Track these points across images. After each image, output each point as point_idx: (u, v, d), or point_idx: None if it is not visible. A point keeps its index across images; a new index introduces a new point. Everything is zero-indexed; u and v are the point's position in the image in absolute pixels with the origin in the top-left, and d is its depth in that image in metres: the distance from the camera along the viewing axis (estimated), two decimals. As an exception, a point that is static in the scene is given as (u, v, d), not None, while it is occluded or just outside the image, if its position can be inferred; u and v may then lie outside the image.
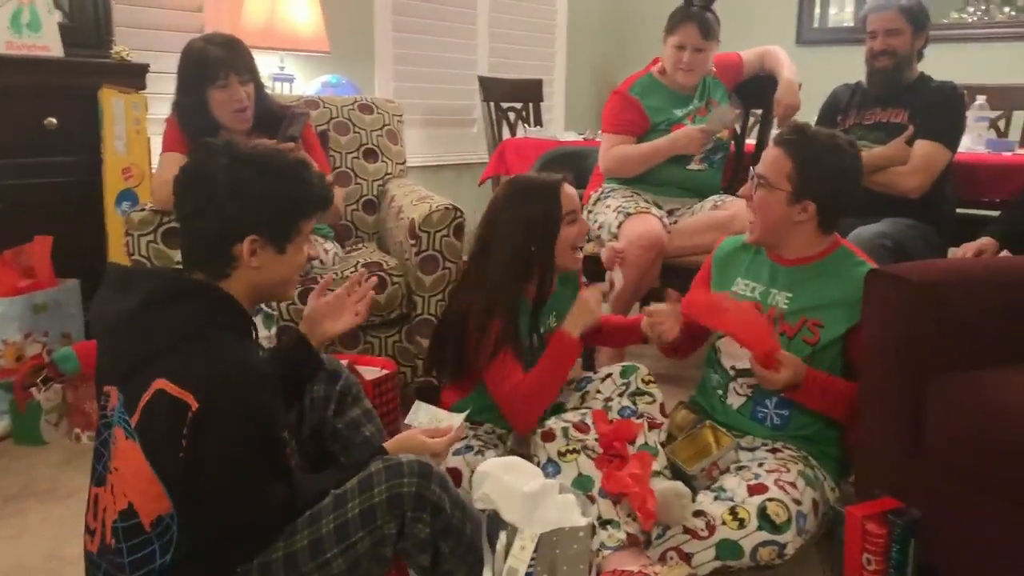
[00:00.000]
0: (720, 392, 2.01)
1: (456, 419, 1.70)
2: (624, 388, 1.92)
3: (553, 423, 1.84)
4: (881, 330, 1.66)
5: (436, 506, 1.44)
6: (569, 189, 2.00)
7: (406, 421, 1.76)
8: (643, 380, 1.92)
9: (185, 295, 1.41)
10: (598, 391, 1.99)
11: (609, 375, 1.98)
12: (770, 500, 1.66)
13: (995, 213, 2.87)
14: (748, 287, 2.00)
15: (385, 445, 1.60)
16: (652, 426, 1.86)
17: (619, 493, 1.71)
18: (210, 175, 1.43)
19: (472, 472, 1.82)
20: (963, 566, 1.55)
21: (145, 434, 1.34)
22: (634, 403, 1.88)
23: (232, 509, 1.36)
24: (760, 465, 1.80)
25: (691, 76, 2.88)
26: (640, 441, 1.81)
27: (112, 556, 1.38)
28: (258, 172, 1.44)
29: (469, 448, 1.96)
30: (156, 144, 2.94)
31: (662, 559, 1.67)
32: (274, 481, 1.41)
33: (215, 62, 2.33)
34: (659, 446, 1.83)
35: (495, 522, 1.53)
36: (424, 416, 1.76)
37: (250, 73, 2.41)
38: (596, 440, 1.80)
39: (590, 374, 2.06)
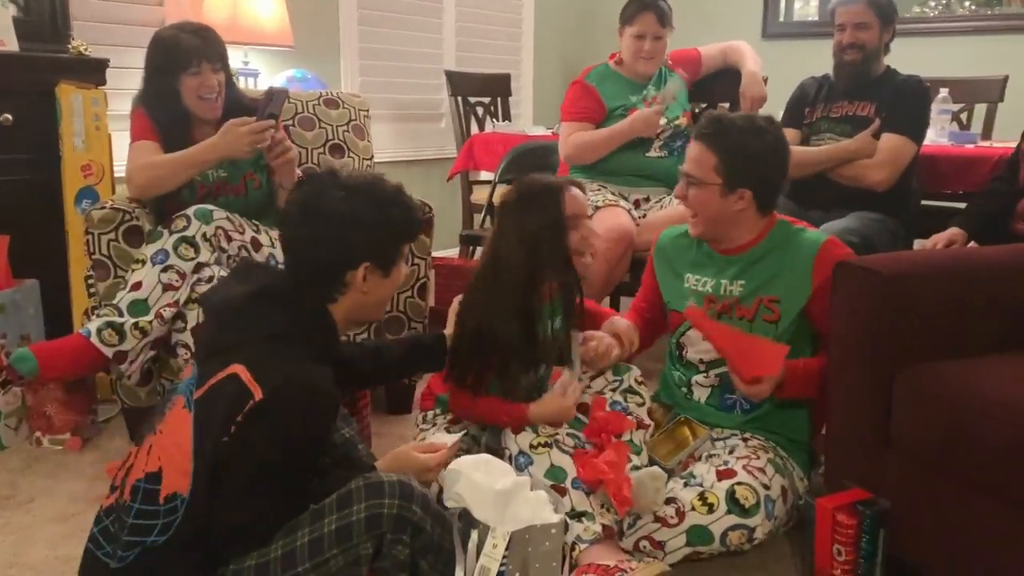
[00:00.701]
0: (683, 388, 2.01)
1: (446, 439, 1.70)
2: (617, 384, 1.91)
3: None
4: (849, 321, 1.66)
5: (417, 527, 1.42)
6: (574, 192, 1.86)
7: (423, 430, 1.78)
8: (635, 380, 1.93)
9: (293, 301, 1.49)
10: (588, 386, 1.98)
11: (601, 372, 1.96)
12: (738, 484, 1.68)
13: (959, 205, 2.91)
14: (699, 282, 1.99)
15: (378, 464, 1.61)
16: (640, 426, 1.85)
17: (595, 480, 1.70)
18: (327, 207, 1.49)
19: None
20: (933, 555, 1.57)
21: (203, 409, 1.40)
22: (625, 399, 1.87)
23: (238, 506, 1.37)
24: (731, 452, 1.82)
25: (652, 64, 2.95)
26: (626, 437, 1.81)
27: (121, 513, 1.40)
28: (372, 202, 1.50)
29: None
30: (117, 140, 2.90)
31: (636, 548, 1.67)
32: (286, 499, 1.40)
33: (187, 49, 2.29)
34: (643, 445, 1.83)
35: (467, 521, 1.52)
36: (442, 438, 1.75)
37: (221, 62, 2.37)
38: (568, 435, 1.78)
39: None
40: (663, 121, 2.88)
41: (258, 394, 1.35)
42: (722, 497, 1.67)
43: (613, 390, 1.89)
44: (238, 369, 1.38)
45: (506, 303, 1.80)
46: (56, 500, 2.06)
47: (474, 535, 1.49)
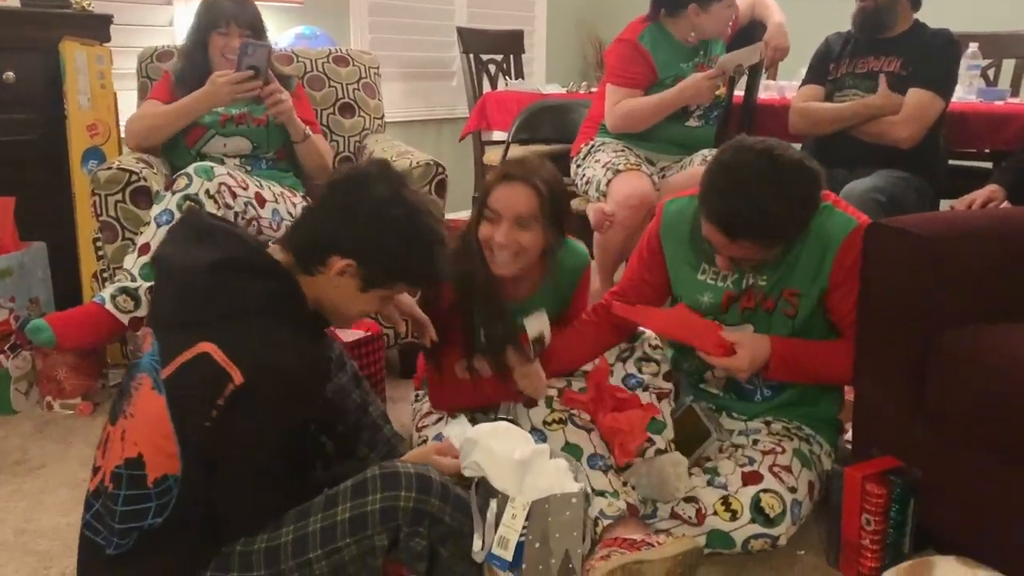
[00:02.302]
0: (695, 377, 1.92)
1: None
2: (628, 353, 1.82)
3: None
4: (882, 286, 1.60)
5: (435, 518, 1.38)
6: (507, 192, 1.75)
7: (444, 432, 1.71)
8: (649, 346, 1.84)
9: (262, 272, 1.39)
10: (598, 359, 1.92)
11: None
12: (764, 492, 1.62)
13: (986, 164, 2.82)
14: (718, 275, 1.80)
15: (403, 459, 1.53)
16: (660, 396, 1.79)
17: (609, 429, 1.66)
18: (364, 190, 1.43)
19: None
20: (965, 526, 1.52)
21: (176, 392, 1.31)
22: (639, 370, 1.80)
23: (233, 490, 1.33)
24: (755, 444, 1.75)
25: (726, 32, 2.82)
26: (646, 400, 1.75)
27: (107, 500, 1.35)
28: (405, 219, 1.42)
29: (440, 417, 1.90)
30: (123, 99, 2.84)
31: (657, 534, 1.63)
32: (282, 479, 1.37)
33: (221, 10, 2.47)
34: (668, 420, 1.75)
35: (485, 490, 1.48)
36: (456, 430, 1.68)
37: (252, 28, 2.50)
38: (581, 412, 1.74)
39: None
40: None
41: (238, 377, 1.26)
42: (747, 504, 1.60)
43: (624, 360, 1.82)
44: (209, 348, 1.28)
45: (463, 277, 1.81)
46: (67, 465, 2.04)
47: (493, 505, 1.44)
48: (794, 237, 1.66)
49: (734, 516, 1.60)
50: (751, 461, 1.68)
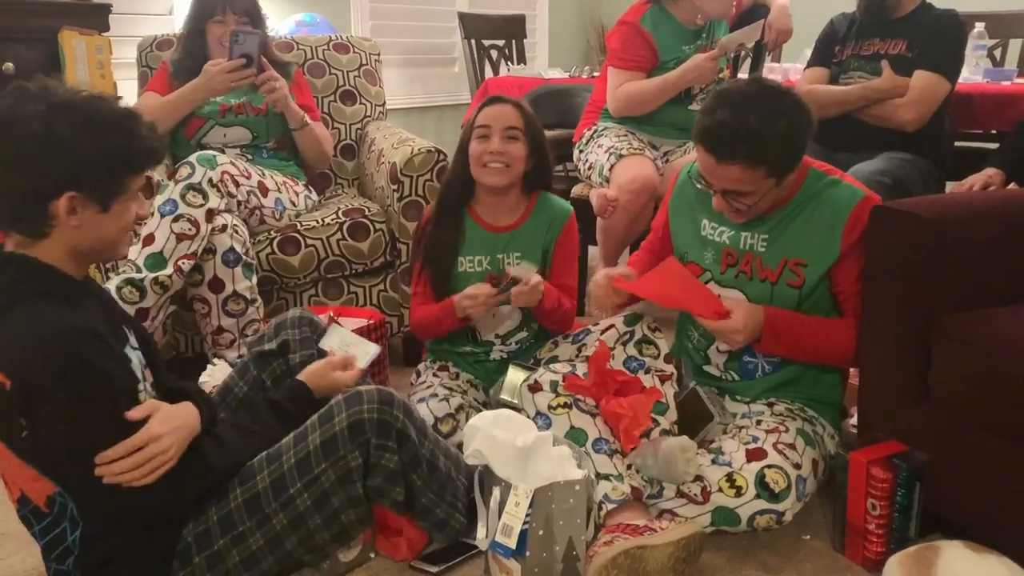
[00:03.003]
0: (701, 354, 1.91)
1: (366, 348, 1.68)
2: (628, 337, 1.82)
3: (540, 376, 1.78)
4: (886, 268, 1.59)
5: (401, 433, 1.42)
6: (494, 109, 1.97)
7: (319, 345, 1.71)
8: (648, 328, 1.83)
9: None
10: (598, 342, 1.92)
11: (611, 326, 1.90)
12: (769, 467, 1.60)
13: (993, 145, 2.79)
14: (716, 231, 1.83)
15: (300, 376, 1.57)
16: (662, 379, 1.78)
17: (612, 414, 1.66)
18: (21, 123, 1.25)
19: (436, 420, 1.84)
20: (971, 510, 1.51)
21: None
22: (640, 352, 1.80)
23: (110, 490, 1.28)
24: (758, 424, 1.74)
25: (730, 13, 2.77)
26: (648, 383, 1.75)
27: (40, 539, 1.37)
28: (77, 121, 1.27)
29: (435, 395, 1.91)
30: (123, 89, 2.83)
31: (658, 518, 1.63)
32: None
33: None
34: (671, 402, 1.75)
35: (488, 478, 1.48)
36: (335, 340, 1.71)
37: (248, 16, 2.49)
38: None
39: (589, 326, 1.99)
40: None
41: (7, 383, 1.21)
42: (751, 481, 1.59)
43: (624, 344, 1.81)
44: None
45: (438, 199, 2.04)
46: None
47: (496, 493, 1.44)
48: (781, 165, 1.65)
49: (739, 492, 1.59)
50: (755, 439, 1.68)
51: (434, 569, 1.58)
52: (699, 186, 1.80)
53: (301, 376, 1.57)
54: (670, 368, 1.81)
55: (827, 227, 1.71)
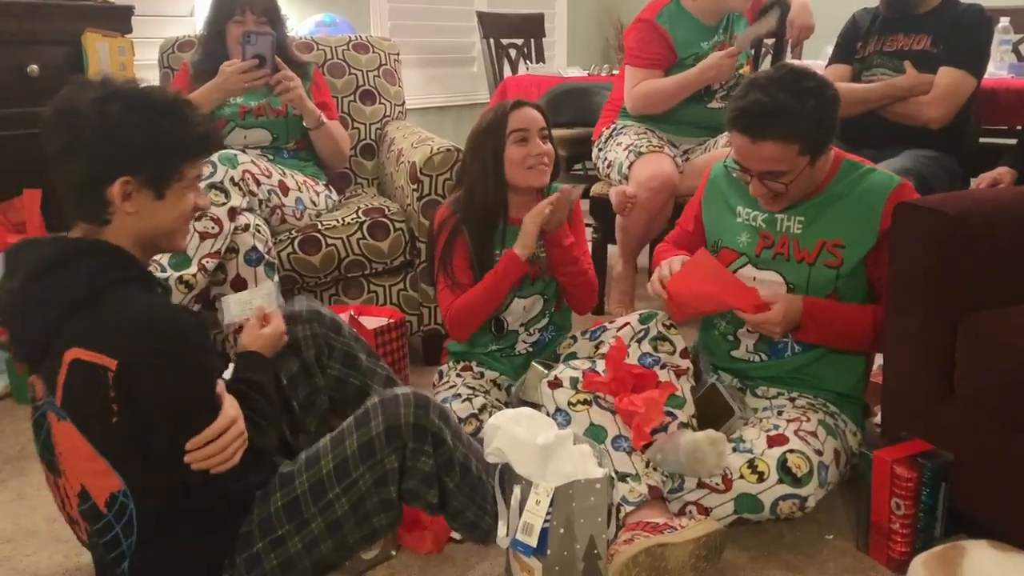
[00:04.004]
0: (730, 338, 1.91)
1: (264, 290, 1.69)
2: (643, 334, 1.82)
3: (560, 372, 1.78)
4: (911, 265, 1.57)
5: (437, 437, 1.43)
6: (525, 112, 1.98)
7: (225, 321, 1.71)
8: (663, 325, 1.83)
9: (71, 258, 1.31)
10: (614, 339, 1.91)
11: (627, 324, 1.90)
12: (791, 452, 1.59)
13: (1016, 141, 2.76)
14: (750, 215, 1.86)
15: (241, 349, 1.55)
16: (678, 373, 1.78)
17: (627, 412, 1.65)
18: (76, 110, 1.29)
19: (459, 420, 1.81)
20: (997, 510, 1.49)
21: (73, 410, 1.29)
22: (655, 349, 1.79)
23: (181, 462, 1.30)
24: (779, 414, 1.74)
25: (747, 3, 2.75)
26: (664, 378, 1.74)
27: (92, 538, 1.37)
28: (128, 107, 1.30)
29: (457, 396, 1.91)
30: (145, 90, 2.85)
31: (681, 513, 1.62)
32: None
33: None
34: (688, 396, 1.74)
35: (508, 476, 1.47)
36: (236, 309, 1.70)
37: (268, 15, 2.50)
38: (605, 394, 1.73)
39: (604, 323, 1.99)
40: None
41: (112, 364, 1.23)
42: (773, 466, 1.58)
43: (639, 341, 1.80)
44: (74, 353, 1.26)
45: (464, 194, 2.01)
46: (96, 454, 2.06)
47: (516, 491, 1.44)
48: (813, 141, 1.68)
49: (761, 478, 1.58)
50: (776, 427, 1.67)
51: (459, 536, 1.63)
52: (735, 174, 1.81)
53: (242, 348, 1.55)
54: (686, 363, 1.81)
55: (865, 212, 1.73)
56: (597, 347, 1.91)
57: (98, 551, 1.38)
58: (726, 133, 2.71)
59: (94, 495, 1.32)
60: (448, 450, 1.44)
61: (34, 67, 2.60)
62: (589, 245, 3.17)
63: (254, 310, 1.64)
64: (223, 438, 1.31)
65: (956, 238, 1.51)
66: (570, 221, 2.06)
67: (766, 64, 3.11)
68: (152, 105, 1.33)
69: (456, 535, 1.65)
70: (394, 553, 1.61)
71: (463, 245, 2.00)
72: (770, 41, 2.80)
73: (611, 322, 1.96)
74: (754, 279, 1.82)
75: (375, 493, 1.40)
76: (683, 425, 1.69)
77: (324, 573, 1.47)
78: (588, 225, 2.90)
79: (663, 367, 1.76)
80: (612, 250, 2.89)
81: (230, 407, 1.34)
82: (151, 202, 1.34)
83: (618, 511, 1.57)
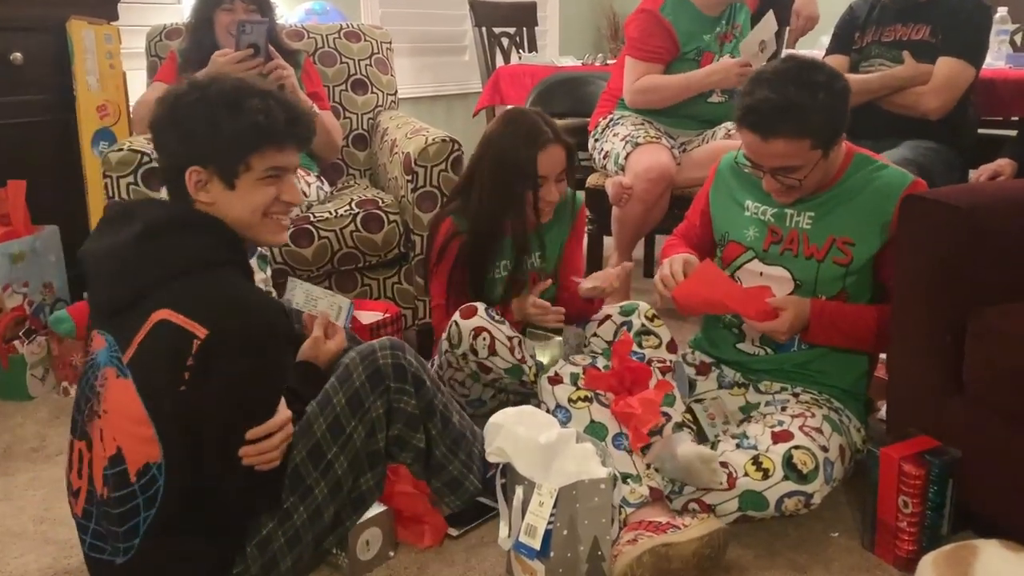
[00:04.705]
0: (734, 330, 1.88)
1: (336, 301, 1.65)
2: (627, 327, 1.81)
3: (561, 368, 1.76)
4: (919, 258, 1.54)
5: (416, 377, 1.47)
6: (553, 155, 1.90)
7: (284, 298, 1.69)
8: (646, 317, 1.81)
9: (188, 226, 1.35)
10: (594, 335, 1.90)
11: (608, 317, 1.87)
12: (796, 448, 1.56)
13: (1015, 132, 2.74)
14: (759, 209, 1.82)
15: (302, 357, 1.56)
16: (664, 370, 1.75)
17: (623, 414, 1.63)
18: (163, 104, 1.37)
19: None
20: (1005, 507, 1.47)
21: (141, 369, 1.29)
22: (639, 345, 1.77)
23: (228, 468, 1.30)
24: (783, 410, 1.71)
25: None
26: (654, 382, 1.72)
27: (106, 508, 1.33)
28: (199, 99, 1.34)
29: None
30: (132, 79, 2.79)
31: (684, 511, 1.59)
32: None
33: None
34: (677, 395, 1.72)
35: (511, 476, 1.44)
36: (300, 298, 1.68)
37: (256, 4, 2.46)
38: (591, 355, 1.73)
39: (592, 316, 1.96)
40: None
41: (200, 332, 1.25)
42: (778, 462, 1.55)
43: (619, 337, 1.79)
44: (164, 314, 1.26)
45: (477, 207, 1.95)
46: (85, 452, 2.02)
47: (519, 492, 1.41)
48: (825, 135, 1.63)
49: (766, 475, 1.55)
50: (780, 423, 1.65)
51: (455, 532, 1.62)
52: (747, 170, 1.77)
53: (303, 357, 1.57)
54: (672, 358, 1.79)
55: (877, 209, 1.70)
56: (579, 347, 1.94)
57: (109, 520, 1.33)
58: (724, 124, 2.69)
59: (128, 460, 1.30)
60: (429, 392, 1.50)
61: (18, 55, 2.54)
62: (585, 238, 3.16)
63: (318, 313, 1.63)
64: (277, 436, 1.32)
65: (966, 231, 1.48)
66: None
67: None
68: (219, 96, 1.35)
69: (453, 531, 1.62)
70: (392, 554, 1.58)
71: (463, 263, 1.98)
72: (768, 37, 2.73)
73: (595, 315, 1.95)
74: (760, 274, 1.79)
75: (367, 445, 1.44)
76: (677, 426, 1.66)
77: (318, 546, 1.47)
78: (583, 217, 2.88)
79: (648, 363, 1.74)
80: (608, 242, 2.86)
81: (284, 407, 1.35)
82: (224, 192, 1.37)
83: (619, 513, 1.54)
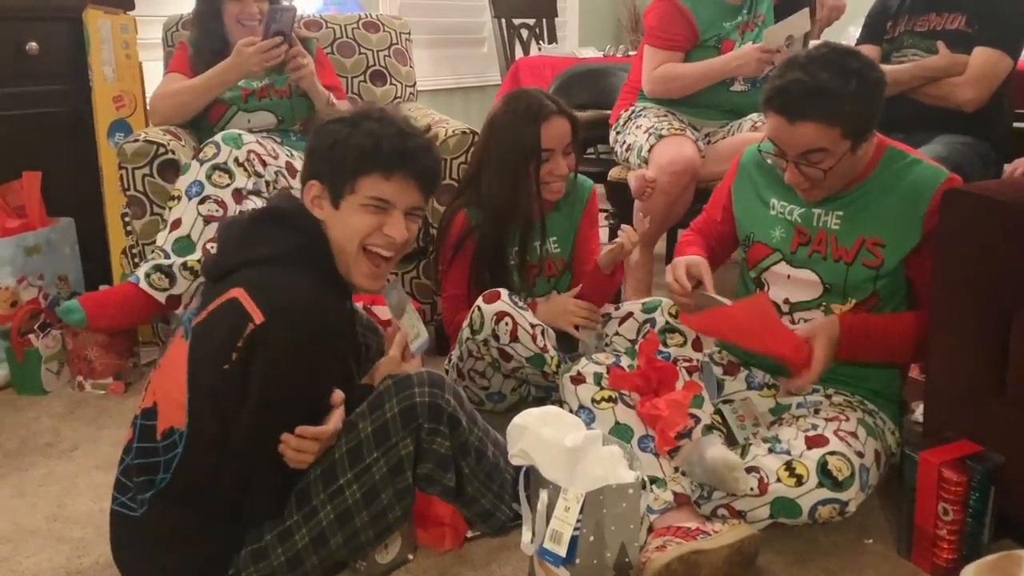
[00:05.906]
0: None
1: (416, 329, 1.61)
2: (650, 324, 1.77)
3: (583, 367, 1.71)
4: (959, 256, 1.48)
5: (452, 417, 1.39)
6: (556, 127, 1.90)
7: (385, 293, 1.65)
8: (670, 313, 1.76)
9: (291, 220, 1.39)
10: (616, 333, 1.85)
11: (629, 314, 1.82)
12: (831, 454, 1.50)
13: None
14: (785, 208, 1.74)
15: (365, 381, 1.51)
16: (691, 370, 1.70)
17: (650, 416, 1.59)
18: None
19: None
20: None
21: (200, 336, 1.32)
22: (664, 343, 1.72)
23: (250, 442, 1.29)
24: (816, 412, 1.65)
25: None
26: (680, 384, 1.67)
27: (131, 456, 1.36)
28: (347, 122, 1.40)
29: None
30: (148, 69, 2.76)
31: (713, 515, 1.54)
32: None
33: None
34: (705, 396, 1.66)
35: (535, 479, 1.39)
36: (395, 297, 1.63)
37: None
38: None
39: (609, 311, 1.91)
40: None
41: (258, 318, 1.26)
42: (813, 469, 1.49)
43: (646, 335, 1.75)
44: (238, 293, 1.29)
45: (487, 195, 1.93)
46: (100, 447, 1.98)
47: (543, 496, 1.36)
48: (856, 125, 1.56)
49: (799, 481, 1.48)
50: (814, 427, 1.58)
51: (472, 533, 1.59)
52: (770, 160, 1.69)
53: (378, 372, 1.52)
54: (699, 356, 1.74)
55: (909, 208, 1.61)
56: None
57: (131, 470, 1.35)
58: (750, 116, 2.62)
59: (159, 418, 1.32)
60: (463, 432, 1.42)
61: (33, 45, 2.51)
62: (606, 232, 3.11)
63: (401, 329, 1.58)
64: (320, 444, 1.32)
65: (1008, 227, 1.42)
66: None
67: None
68: (350, 115, 1.42)
69: (472, 532, 1.58)
70: (411, 557, 1.54)
71: (479, 257, 1.96)
72: (799, 35, 2.64)
73: (616, 309, 1.90)
74: (788, 277, 1.73)
75: (390, 482, 1.36)
76: (707, 428, 1.61)
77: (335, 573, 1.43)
78: (603, 210, 2.83)
79: (674, 363, 1.69)
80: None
81: (337, 419, 1.34)
82: (331, 212, 1.40)
83: (645, 519, 1.49)
